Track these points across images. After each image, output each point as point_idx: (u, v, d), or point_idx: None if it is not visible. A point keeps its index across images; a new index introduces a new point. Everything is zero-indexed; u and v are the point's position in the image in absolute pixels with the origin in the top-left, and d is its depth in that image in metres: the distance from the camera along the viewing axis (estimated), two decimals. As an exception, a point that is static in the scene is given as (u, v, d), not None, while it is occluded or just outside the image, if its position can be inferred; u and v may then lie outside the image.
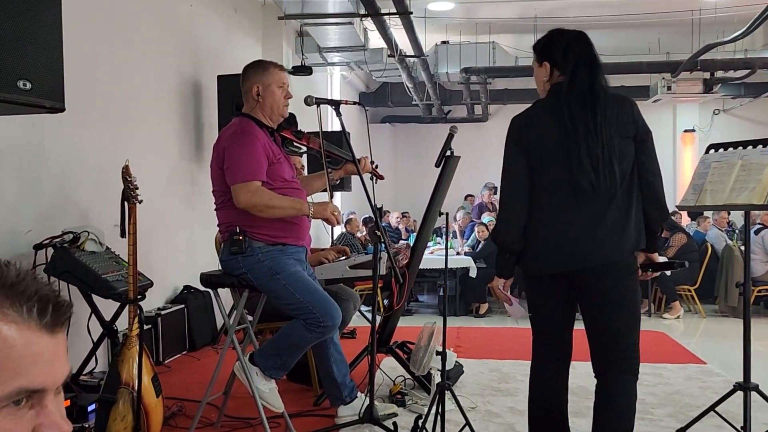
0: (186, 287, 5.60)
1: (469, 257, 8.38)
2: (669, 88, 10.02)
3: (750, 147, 3.15)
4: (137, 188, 3.02)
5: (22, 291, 0.73)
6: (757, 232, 8.19)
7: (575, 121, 2.53)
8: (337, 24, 7.82)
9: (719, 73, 9.94)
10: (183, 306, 5.37)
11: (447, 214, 3.36)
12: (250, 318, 4.03)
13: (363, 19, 7.67)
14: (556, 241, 2.62)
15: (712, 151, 3.34)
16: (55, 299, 0.77)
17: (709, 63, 9.42)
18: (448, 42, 10.65)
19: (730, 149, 3.25)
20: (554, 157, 2.57)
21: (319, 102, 3.36)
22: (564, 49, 2.63)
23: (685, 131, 13.69)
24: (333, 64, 9.58)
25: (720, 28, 9.14)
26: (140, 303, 3.21)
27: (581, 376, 3.86)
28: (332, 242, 7.93)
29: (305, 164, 5.43)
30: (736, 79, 10.34)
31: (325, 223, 3.50)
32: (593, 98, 2.55)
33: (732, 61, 9.68)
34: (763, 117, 13.44)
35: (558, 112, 2.57)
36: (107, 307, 3.91)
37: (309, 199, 3.53)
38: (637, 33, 10.18)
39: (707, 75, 9.93)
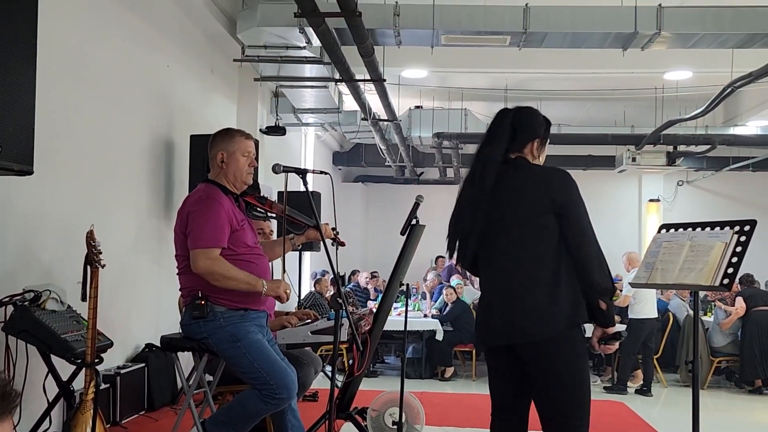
0: (148, 345, 5.57)
1: (436, 320, 8.41)
2: (634, 159, 10.31)
3: (699, 229, 3.28)
4: (100, 253, 3.06)
5: None
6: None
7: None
8: (312, 87, 7.98)
9: (682, 147, 10.26)
10: (143, 365, 5.32)
11: (407, 284, 3.43)
12: (209, 378, 4.03)
13: (338, 83, 7.85)
14: (489, 313, 2.73)
15: (663, 230, 3.46)
16: (4, 388, 0.81)
17: (671, 137, 9.74)
18: (421, 107, 10.90)
19: (681, 230, 3.38)
20: None
21: (287, 170, 3.45)
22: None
23: (650, 201, 14.00)
24: (307, 124, 9.74)
25: (682, 104, 9.48)
26: (100, 364, 3.22)
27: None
28: (299, 302, 7.93)
29: (274, 229, 5.48)
30: (697, 153, 10.67)
31: (292, 283, 3.55)
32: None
33: (693, 137, 10.02)
34: (725, 189, 13.82)
35: None
36: (65, 365, 3.88)
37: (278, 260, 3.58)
38: (604, 106, 10.52)
39: (670, 148, 10.24)
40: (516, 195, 2.65)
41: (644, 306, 7.76)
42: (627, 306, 7.90)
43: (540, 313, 2.56)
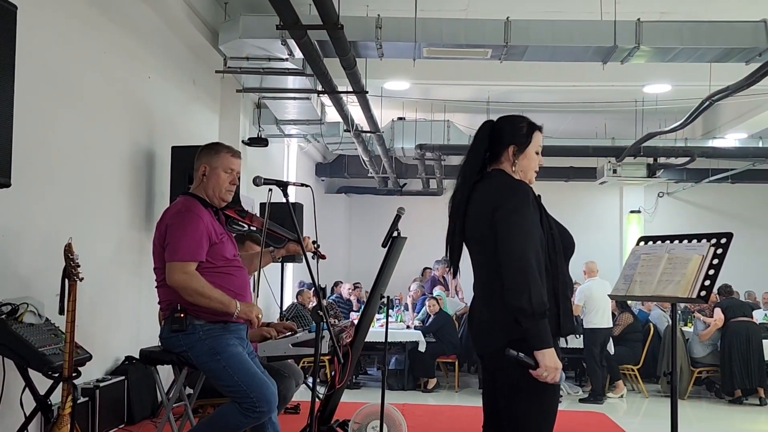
0: (127, 358, 5.52)
1: (419, 331, 8.41)
2: (615, 171, 10.40)
3: (677, 241, 3.31)
4: (78, 266, 3.04)
5: None
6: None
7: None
8: (294, 98, 7.99)
9: (662, 159, 10.36)
10: (123, 378, 5.28)
11: (387, 297, 3.43)
12: (190, 392, 4.00)
13: (320, 95, 7.87)
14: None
15: (642, 243, 3.50)
16: None
17: (651, 149, 9.84)
18: (404, 118, 10.94)
19: (659, 242, 3.41)
20: None
21: (268, 182, 3.45)
22: None
23: (632, 212, 14.10)
24: (290, 135, 9.74)
25: (661, 117, 9.59)
26: (77, 378, 3.19)
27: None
28: (281, 313, 7.91)
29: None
30: (677, 165, 10.79)
31: (274, 295, 3.55)
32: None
33: (673, 149, 10.13)
34: (705, 201, 13.96)
35: None
36: (43, 379, 3.84)
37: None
38: (585, 118, 10.61)
39: (650, 160, 10.34)
40: (475, 209, 2.62)
41: (596, 315, 7.87)
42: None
43: (484, 327, 2.60)
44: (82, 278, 3.09)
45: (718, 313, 8.07)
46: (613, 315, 8.35)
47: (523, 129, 2.70)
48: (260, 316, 3.42)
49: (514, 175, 2.68)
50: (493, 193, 2.58)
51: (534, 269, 2.43)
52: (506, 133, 2.69)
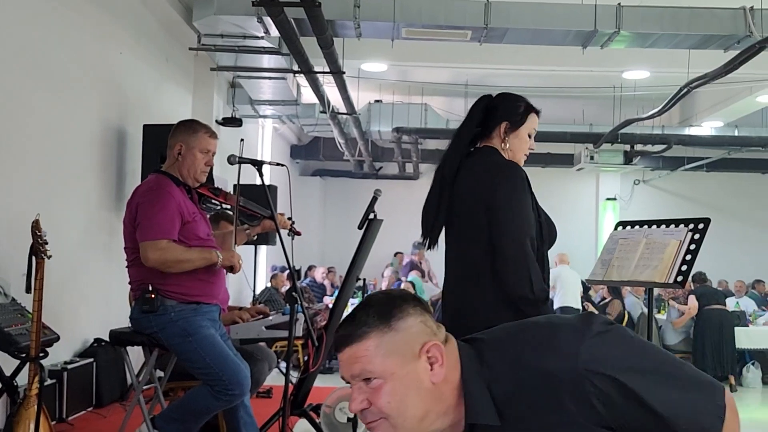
0: (97, 340, 5.42)
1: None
2: (592, 158, 10.41)
3: (654, 226, 3.29)
4: (46, 243, 2.94)
5: None
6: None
7: None
8: (270, 78, 7.87)
9: (639, 146, 10.39)
10: (92, 360, 5.18)
11: (364, 279, 3.38)
12: (160, 374, 3.92)
13: (296, 75, 7.75)
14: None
15: (620, 228, 3.47)
16: None
17: (628, 136, 9.86)
18: (381, 101, 10.85)
19: (636, 227, 3.39)
20: None
21: (242, 161, 3.37)
22: None
23: (608, 199, 14.17)
24: (265, 116, 9.62)
25: (639, 104, 9.60)
26: (44, 358, 3.10)
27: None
28: (254, 297, 7.83)
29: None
30: (654, 152, 10.83)
31: (247, 278, 3.49)
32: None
33: (650, 136, 10.16)
34: (680, 189, 14.07)
35: None
36: (9, 359, 3.74)
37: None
38: (563, 103, 10.58)
39: (628, 147, 10.37)
40: (463, 189, 2.53)
41: (565, 295, 8.00)
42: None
43: (461, 312, 2.50)
44: (50, 256, 3.00)
45: (692, 301, 8.13)
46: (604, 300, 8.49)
47: (520, 108, 2.61)
48: (241, 261, 3.38)
49: (504, 154, 2.59)
50: (488, 171, 2.49)
51: (532, 255, 2.39)
52: (501, 109, 2.60)
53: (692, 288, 8.36)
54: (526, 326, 1.49)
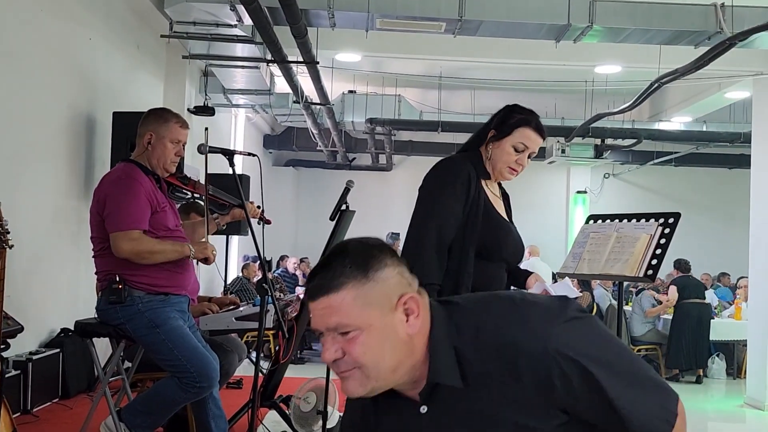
0: (63, 330, 5.34)
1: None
2: (563, 151, 10.47)
3: (625, 220, 3.32)
4: (8, 232, 2.88)
5: None
6: (637, 293, 8.57)
7: None
8: (243, 67, 7.79)
9: (609, 140, 10.48)
10: (58, 350, 5.10)
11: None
12: (128, 365, 3.87)
13: (269, 64, 7.68)
14: None
15: (591, 221, 3.49)
16: None
17: (599, 130, 9.93)
18: (354, 92, 10.80)
19: (608, 221, 3.41)
20: None
21: (213, 150, 3.33)
22: None
23: (578, 192, 14.29)
24: (237, 105, 9.52)
25: (611, 98, 9.67)
26: (6, 350, 3.05)
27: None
28: (225, 287, 7.77)
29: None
30: (624, 146, 10.92)
31: (218, 268, 3.45)
32: None
33: (621, 130, 10.25)
34: (649, 183, 14.23)
35: None
36: (-29, 351, 3.67)
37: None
38: (535, 97, 10.59)
39: (598, 141, 10.45)
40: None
41: None
42: None
43: None
44: (12, 245, 2.93)
45: (673, 292, 8.17)
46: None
47: (512, 119, 2.59)
48: (215, 252, 3.34)
49: (486, 162, 2.60)
50: (434, 167, 2.61)
51: (429, 244, 2.42)
52: (497, 117, 2.63)
53: (675, 276, 8.37)
54: (501, 298, 1.50)
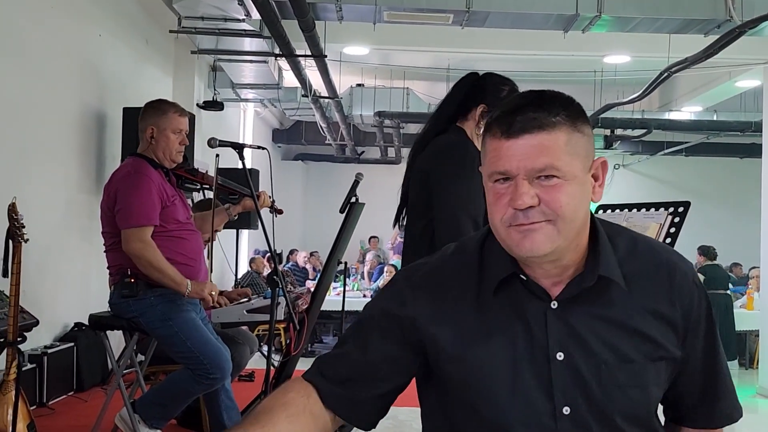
0: (77, 324, 5.39)
1: (375, 300, 8.39)
2: (573, 142, 10.44)
3: (635, 210, 3.31)
4: (23, 227, 2.91)
5: None
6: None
7: None
8: (251, 61, 7.81)
9: (619, 131, 10.44)
10: (72, 344, 5.15)
11: (345, 263, 3.38)
12: (141, 358, 3.91)
13: (278, 58, 7.70)
14: None
15: (600, 211, 3.49)
16: None
17: (609, 121, 9.90)
18: (363, 85, 10.80)
19: (617, 211, 3.41)
20: None
21: (223, 144, 3.35)
22: None
23: (588, 183, 14.25)
24: (246, 100, 9.55)
25: (620, 88, 9.63)
26: (23, 343, 3.08)
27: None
28: (236, 281, 7.81)
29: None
30: (634, 137, 10.89)
31: (229, 262, 3.47)
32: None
33: (630, 121, 10.21)
34: (659, 173, 14.18)
35: None
36: (-13, 345, 3.71)
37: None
38: (544, 87, 10.51)
39: (608, 132, 10.42)
40: (417, 166, 2.45)
41: None
42: None
43: None
44: (27, 240, 2.97)
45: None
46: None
47: (503, 92, 2.48)
48: (214, 292, 3.29)
49: (475, 140, 2.46)
50: (437, 148, 2.40)
51: (467, 233, 2.22)
52: (483, 90, 2.48)
53: (702, 263, 8.22)
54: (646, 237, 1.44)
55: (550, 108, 1.21)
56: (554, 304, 1.27)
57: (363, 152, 13.73)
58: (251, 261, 8.62)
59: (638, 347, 1.27)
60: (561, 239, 1.22)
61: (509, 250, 1.25)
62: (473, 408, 1.28)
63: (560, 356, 1.25)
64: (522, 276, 1.29)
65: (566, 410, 1.24)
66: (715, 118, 10.73)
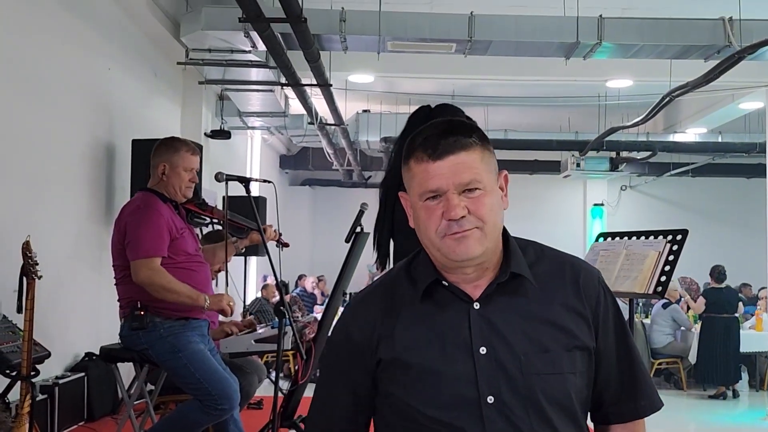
0: (87, 354, 5.44)
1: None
2: (578, 165, 10.50)
3: (634, 238, 3.37)
4: (37, 264, 2.99)
5: None
6: (664, 306, 8.46)
7: None
8: (258, 91, 7.92)
9: (624, 153, 10.50)
10: (83, 374, 5.20)
11: (350, 294, 3.43)
12: (151, 388, 3.96)
13: (284, 87, 7.81)
14: None
15: (601, 239, 3.55)
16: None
17: (614, 143, 9.97)
18: (368, 111, 10.91)
19: (617, 239, 3.47)
20: None
21: (230, 178, 3.43)
22: None
23: (595, 205, 14.29)
24: (253, 128, 9.66)
25: (624, 111, 9.71)
26: (36, 376, 3.14)
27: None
28: (245, 308, 7.87)
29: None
30: (640, 159, 10.94)
31: (237, 290, 3.54)
32: None
33: (635, 143, 10.28)
34: (666, 194, 14.20)
35: None
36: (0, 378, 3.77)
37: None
38: (549, 112, 10.69)
39: (613, 154, 10.48)
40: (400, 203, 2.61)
41: None
42: None
43: None
44: (41, 276, 3.04)
45: (700, 304, 8.05)
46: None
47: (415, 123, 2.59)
48: (232, 303, 3.40)
49: None
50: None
51: None
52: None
53: (710, 283, 8.19)
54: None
55: (464, 132, 1.41)
56: (476, 305, 1.42)
57: (370, 177, 13.81)
58: (263, 288, 8.68)
59: (554, 337, 1.41)
60: (488, 242, 1.40)
61: (445, 257, 1.41)
62: (409, 405, 1.41)
63: (483, 350, 1.39)
64: (444, 282, 1.44)
65: (490, 399, 1.37)
66: (719, 140, 10.78)
